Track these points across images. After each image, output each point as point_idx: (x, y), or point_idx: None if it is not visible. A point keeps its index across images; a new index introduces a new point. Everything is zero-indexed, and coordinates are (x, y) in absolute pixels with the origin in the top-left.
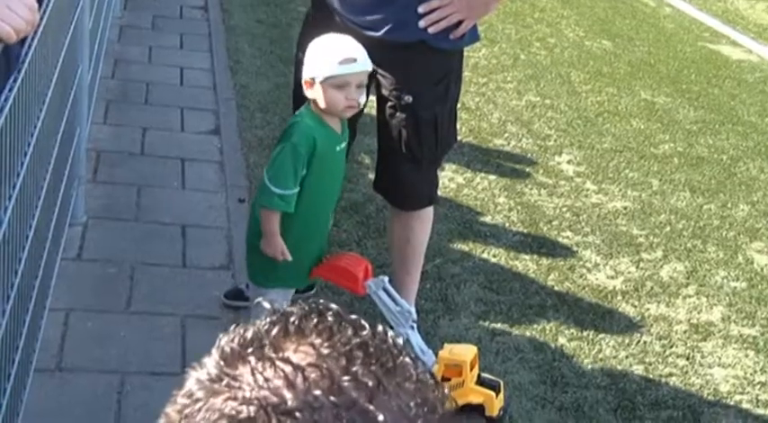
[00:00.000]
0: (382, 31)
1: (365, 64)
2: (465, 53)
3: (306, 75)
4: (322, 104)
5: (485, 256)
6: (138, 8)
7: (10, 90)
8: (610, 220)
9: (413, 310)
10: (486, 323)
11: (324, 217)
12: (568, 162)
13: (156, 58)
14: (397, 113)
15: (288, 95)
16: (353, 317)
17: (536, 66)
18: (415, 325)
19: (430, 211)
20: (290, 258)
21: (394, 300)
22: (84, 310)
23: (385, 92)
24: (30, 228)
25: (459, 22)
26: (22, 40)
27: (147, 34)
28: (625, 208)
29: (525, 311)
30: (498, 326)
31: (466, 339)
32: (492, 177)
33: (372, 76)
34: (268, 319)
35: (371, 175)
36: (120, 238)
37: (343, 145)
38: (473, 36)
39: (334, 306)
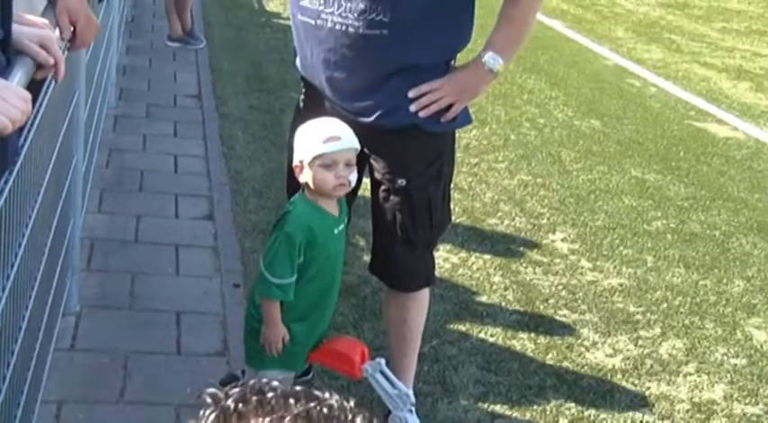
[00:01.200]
0: (373, 117)
1: (350, 142)
2: (457, 134)
3: (295, 159)
4: (312, 185)
5: (482, 336)
6: (132, 99)
7: (5, 182)
8: (606, 297)
9: (410, 393)
10: (486, 405)
11: (327, 301)
12: (562, 240)
13: (151, 146)
14: (391, 197)
15: (281, 180)
16: (300, 389)
17: (527, 145)
18: (413, 408)
19: (426, 292)
20: (288, 343)
21: (391, 383)
22: (76, 402)
23: (378, 176)
24: (23, 319)
25: (450, 105)
26: (19, 130)
27: (141, 123)
28: (621, 285)
29: (525, 392)
30: (498, 408)
31: (465, 422)
32: (487, 257)
33: (365, 159)
34: (208, 410)
35: (367, 257)
36: (113, 326)
37: (342, 227)
38: (465, 118)
39: (275, 383)
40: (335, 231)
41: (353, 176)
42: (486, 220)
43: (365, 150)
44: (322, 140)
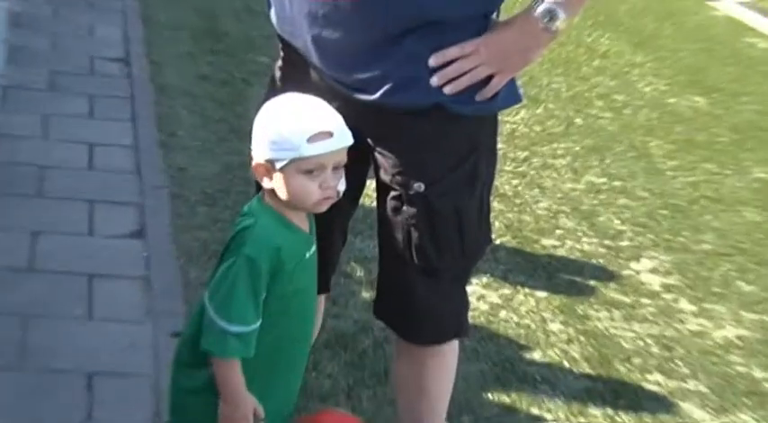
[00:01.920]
0: (379, 93)
1: (344, 138)
2: (499, 118)
3: (258, 156)
4: (285, 196)
5: (535, 411)
6: (27, 62)
7: None
8: (718, 356)
9: None
10: None
11: (295, 361)
12: (652, 271)
13: (55, 130)
14: (405, 207)
15: (245, 182)
16: None
17: (598, 133)
18: None
19: (454, 346)
20: (262, 416)
21: None
22: None
23: (386, 177)
24: None
25: (489, 78)
26: None
27: (40, 98)
28: (740, 339)
29: None
30: None
31: None
32: (541, 294)
33: (368, 153)
34: None
35: (367, 294)
36: (1, 393)
37: (313, 249)
38: (510, 96)
39: None
40: (307, 255)
41: (343, 185)
42: (539, 240)
43: (368, 141)
44: (306, 137)
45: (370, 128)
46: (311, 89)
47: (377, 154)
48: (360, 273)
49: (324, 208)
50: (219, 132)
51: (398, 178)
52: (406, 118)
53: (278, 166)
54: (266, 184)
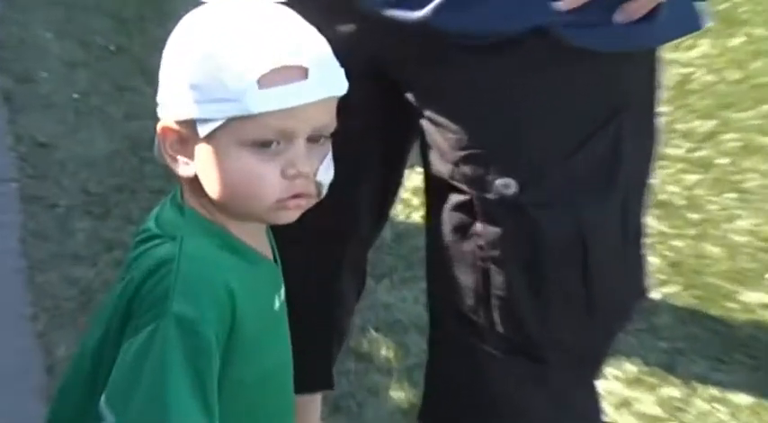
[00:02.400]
0: (432, 7)
1: (328, 80)
2: (662, 58)
3: (168, 112)
4: (215, 189)
5: None
6: None
7: None
8: None
9: None
10: None
11: None
12: None
13: None
14: (478, 225)
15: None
16: None
17: None
18: None
19: None
20: None
21: None
22: None
23: (443, 168)
24: None
25: None
26: None
27: None
28: None
29: None
30: None
31: None
32: (742, 400)
33: (411, 120)
34: None
35: (400, 395)
36: None
37: (282, 292)
38: (685, 17)
39: None
40: (276, 303)
41: (328, 174)
42: (737, 294)
43: (410, 98)
44: (256, 75)
45: (415, 73)
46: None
47: (426, 122)
48: (386, 351)
49: (289, 217)
50: (113, 73)
51: (467, 169)
52: (483, 56)
53: (203, 131)
54: (182, 168)
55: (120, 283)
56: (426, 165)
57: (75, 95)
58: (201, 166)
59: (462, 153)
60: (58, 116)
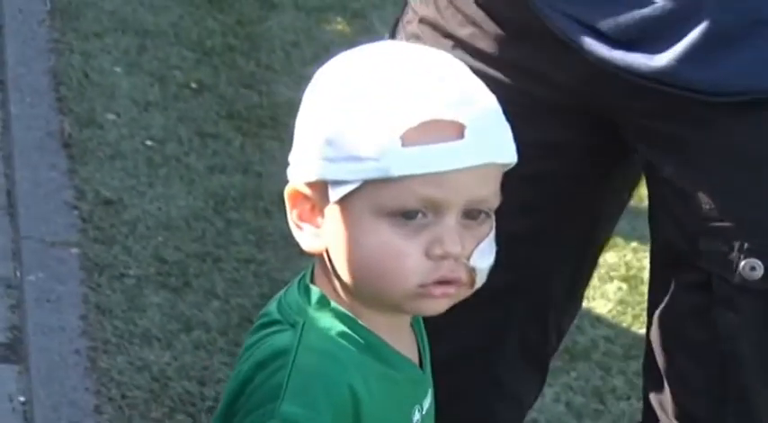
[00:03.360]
0: (678, 56)
1: (490, 142)
2: None
3: (297, 172)
4: (344, 268)
5: None
6: None
7: None
8: None
9: None
10: None
11: None
12: None
13: None
14: (720, 311)
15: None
16: None
17: None
18: None
19: None
20: None
21: None
22: None
23: (678, 239)
24: None
25: None
26: None
27: None
28: None
29: None
30: None
31: None
32: None
33: (626, 160)
34: None
35: None
36: None
37: (429, 400)
38: None
39: None
40: (415, 416)
41: (487, 260)
42: None
43: (641, 150)
44: (401, 131)
45: (647, 124)
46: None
47: (661, 183)
48: None
49: (435, 308)
50: (194, 116)
51: (709, 244)
52: (738, 115)
53: (335, 194)
54: (308, 240)
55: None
56: (655, 232)
57: (149, 143)
58: (331, 238)
59: (706, 225)
60: (128, 168)
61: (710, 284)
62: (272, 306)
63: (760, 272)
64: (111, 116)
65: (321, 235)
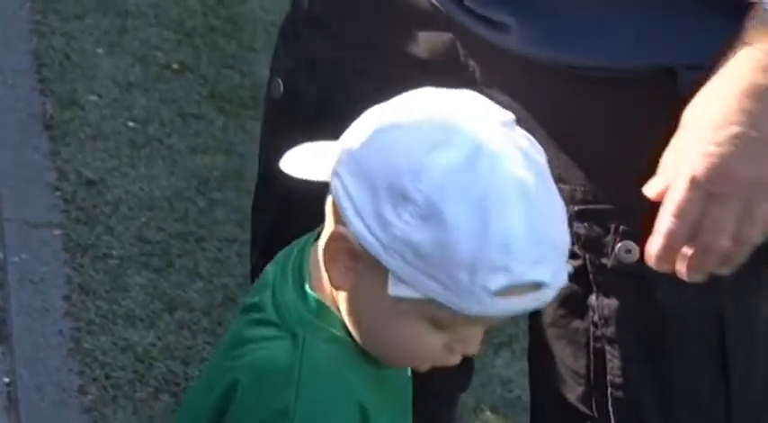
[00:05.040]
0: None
1: (553, 292)
2: None
3: (360, 229)
4: (362, 334)
5: None
6: None
7: None
8: None
9: None
10: None
11: None
12: None
13: None
14: (592, 298)
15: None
16: None
17: None
18: None
19: None
20: None
21: None
22: None
23: None
24: None
25: None
26: None
27: None
28: None
29: None
30: None
31: None
32: None
33: None
34: None
35: None
36: None
37: (410, 399)
38: None
39: None
40: (404, 378)
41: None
42: None
43: None
44: (500, 284)
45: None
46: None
47: None
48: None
49: (421, 369)
50: (176, 97)
51: (581, 228)
52: (601, 89)
53: (394, 290)
54: (338, 273)
55: (215, 365)
56: None
57: (131, 124)
58: (361, 297)
59: (577, 208)
60: (110, 148)
61: (586, 270)
62: (266, 301)
63: (635, 255)
64: (92, 97)
65: (351, 282)
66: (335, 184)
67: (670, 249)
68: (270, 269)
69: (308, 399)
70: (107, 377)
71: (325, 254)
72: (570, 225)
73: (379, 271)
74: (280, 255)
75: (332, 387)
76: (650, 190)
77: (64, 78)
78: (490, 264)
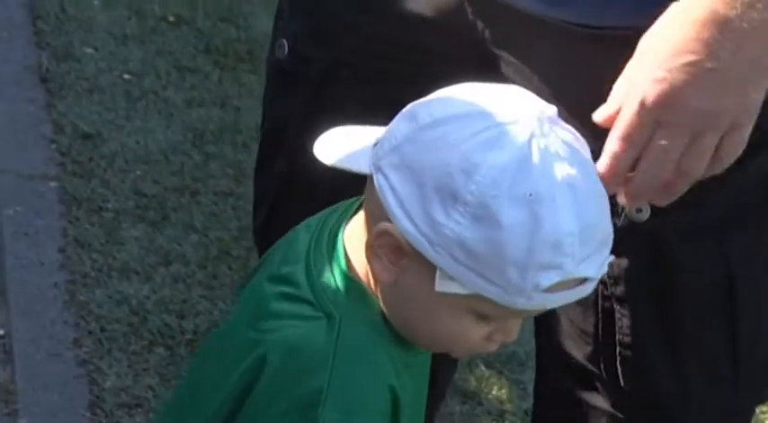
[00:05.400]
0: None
1: (594, 283)
2: None
3: (407, 226)
4: (404, 324)
5: None
6: None
7: None
8: None
9: None
10: None
11: None
12: None
13: None
14: (616, 260)
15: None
16: None
17: None
18: None
19: None
20: None
21: None
22: None
23: None
24: None
25: None
26: None
27: None
28: None
29: None
30: None
31: None
32: None
33: None
34: None
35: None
36: None
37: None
38: None
39: None
40: (425, 389)
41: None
42: None
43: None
44: (551, 281)
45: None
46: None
47: None
48: (497, 390)
49: (457, 355)
50: (172, 50)
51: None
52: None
53: (441, 285)
54: (380, 268)
55: (238, 334)
56: None
57: (127, 76)
58: (406, 289)
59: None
60: (106, 101)
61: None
62: (299, 276)
63: (647, 213)
64: (88, 50)
65: (395, 276)
66: (379, 180)
67: (614, 172)
68: (301, 238)
69: (342, 381)
70: (102, 330)
71: (367, 249)
72: None
73: (425, 266)
74: (311, 222)
75: (367, 370)
76: (599, 115)
77: (60, 31)
78: (542, 262)
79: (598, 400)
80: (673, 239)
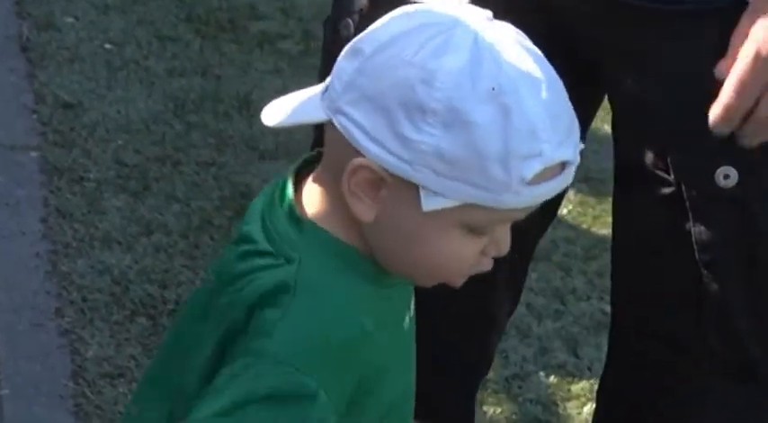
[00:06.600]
0: None
1: (572, 172)
2: None
3: (379, 154)
4: (393, 257)
5: None
6: None
7: None
8: None
9: None
10: None
11: None
12: None
13: None
14: (689, 224)
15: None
16: None
17: None
18: None
19: None
20: None
21: None
22: None
23: (643, 153)
24: None
25: None
26: None
27: None
28: None
29: None
30: None
31: None
32: None
33: (596, 93)
34: None
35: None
36: None
37: (412, 305)
38: None
39: None
40: (405, 321)
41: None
42: None
43: (601, 65)
44: (534, 169)
45: (609, 36)
46: None
47: (621, 97)
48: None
49: (457, 284)
50: (153, 19)
51: (678, 156)
52: (685, 26)
53: (427, 204)
54: (361, 208)
55: (210, 305)
56: (619, 151)
57: (108, 46)
58: (391, 221)
59: (674, 137)
60: (87, 71)
61: (681, 197)
62: (254, 231)
63: (734, 179)
64: (69, 19)
65: (378, 212)
66: (341, 121)
67: (728, 120)
68: (257, 201)
69: (297, 314)
70: (84, 300)
71: (346, 192)
72: (664, 154)
73: (405, 192)
74: (267, 188)
75: (329, 299)
76: (719, 69)
77: (41, 0)
78: (522, 152)
79: (688, 366)
80: (761, 206)
